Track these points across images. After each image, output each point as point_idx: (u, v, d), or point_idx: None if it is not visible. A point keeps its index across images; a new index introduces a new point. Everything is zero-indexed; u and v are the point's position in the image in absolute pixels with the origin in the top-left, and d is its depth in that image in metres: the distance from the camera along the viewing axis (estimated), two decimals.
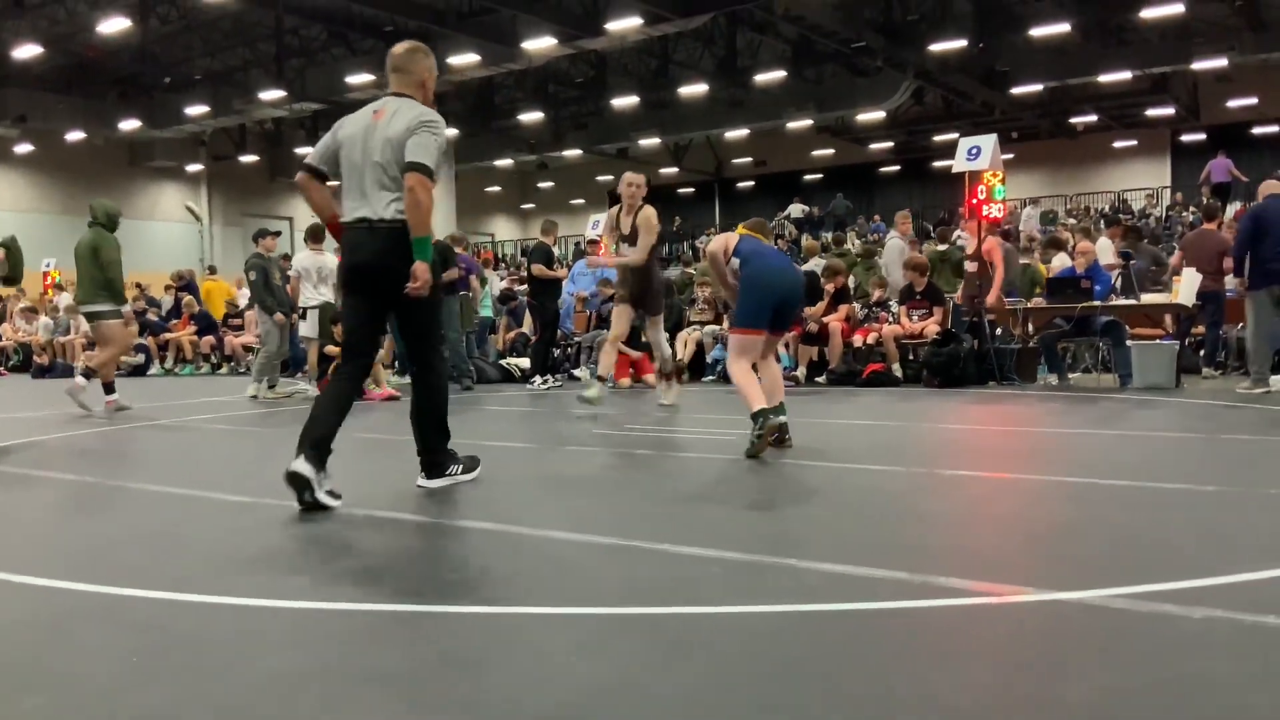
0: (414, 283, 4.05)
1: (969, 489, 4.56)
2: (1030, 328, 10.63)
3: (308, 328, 10.87)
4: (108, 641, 2.51)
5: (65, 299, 19.22)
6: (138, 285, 20.36)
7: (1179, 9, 21.37)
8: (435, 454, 4.53)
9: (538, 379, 11.31)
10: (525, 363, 12.58)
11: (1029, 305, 10.65)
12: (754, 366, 5.68)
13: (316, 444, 4.11)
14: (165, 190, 33.72)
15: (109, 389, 9.13)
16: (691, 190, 41.37)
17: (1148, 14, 22.23)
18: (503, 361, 13.49)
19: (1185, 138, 32.52)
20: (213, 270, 22.10)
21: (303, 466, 4.02)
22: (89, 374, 9.06)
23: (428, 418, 4.51)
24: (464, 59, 23.39)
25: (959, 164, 10.90)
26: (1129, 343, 9.92)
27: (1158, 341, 10.02)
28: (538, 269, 11.36)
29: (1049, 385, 10.16)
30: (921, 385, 10.33)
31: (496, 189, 43.53)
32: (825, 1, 21.86)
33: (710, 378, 12.16)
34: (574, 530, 3.63)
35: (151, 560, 3.40)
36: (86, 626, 2.65)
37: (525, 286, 13.18)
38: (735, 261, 5.71)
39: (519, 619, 2.59)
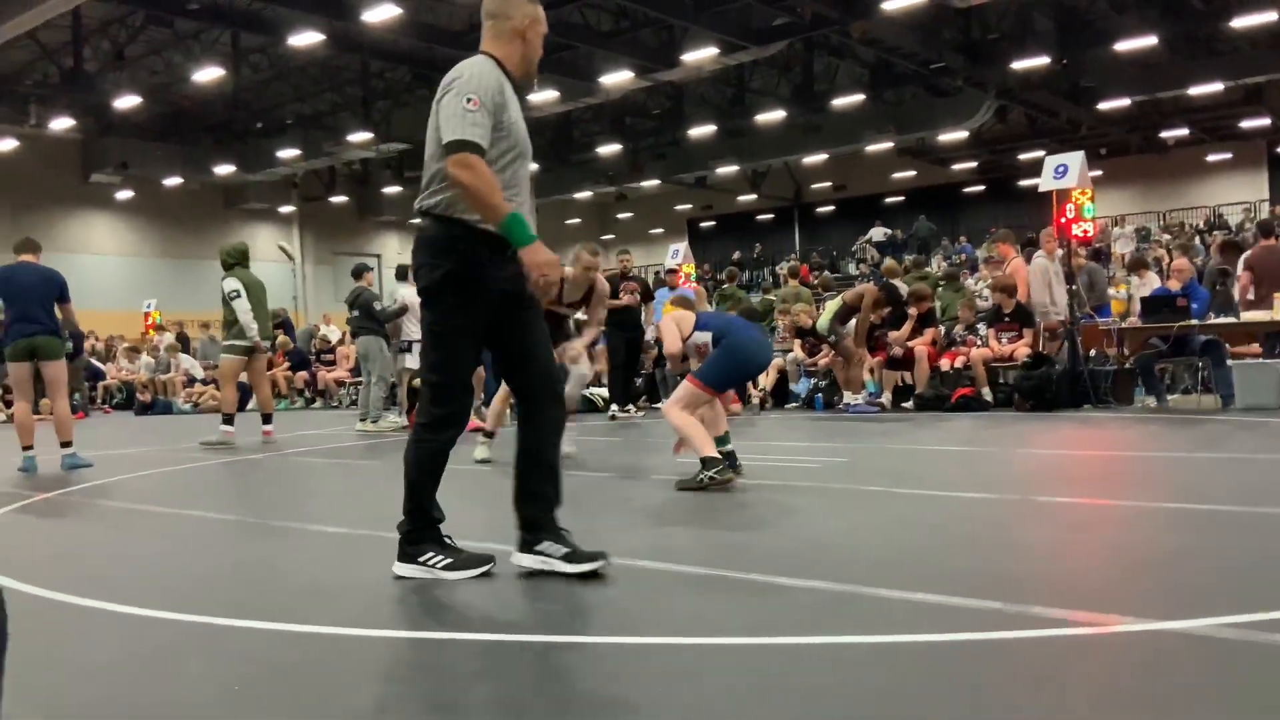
0: (533, 274, 3.17)
1: (1065, 516, 4.44)
2: (1126, 349, 10.34)
3: (412, 360, 11.12)
4: (208, 671, 2.58)
5: (167, 338, 19.96)
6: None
7: (1271, 17, 20.72)
8: (410, 527, 3.52)
9: (614, 407, 11.37)
10: (605, 392, 12.65)
11: (1124, 325, 10.37)
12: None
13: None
14: (259, 231, 34.80)
15: (229, 420, 9.62)
16: (770, 216, 41.24)
17: (1238, 23, 21.57)
18: (584, 392, 13.55)
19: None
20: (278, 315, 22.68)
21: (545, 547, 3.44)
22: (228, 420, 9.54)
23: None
24: (544, 96, 23.77)
25: (1046, 182, 10.69)
26: (1230, 362, 9.58)
27: (1261, 360, 9.66)
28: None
29: (1146, 407, 9.86)
30: (1012, 409, 10.11)
31: (576, 221, 43.98)
32: (903, 23, 21.69)
33: (793, 404, 12.07)
34: (660, 560, 3.62)
35: (252, 591, 3.49)
36: (188, 657, 2.72)
37: None
38: (702, 336, 5.83)
39: (610, 649, 2.60)
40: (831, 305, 11.51)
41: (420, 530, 3.48)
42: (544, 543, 3.42)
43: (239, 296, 9.75)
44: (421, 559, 3.45)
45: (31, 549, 4.68)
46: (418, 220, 3.43)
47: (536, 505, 3.46)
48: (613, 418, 11.19)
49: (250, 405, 10.14)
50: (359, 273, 11.66)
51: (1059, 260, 10.80)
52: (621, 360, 11.74)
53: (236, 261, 10.06)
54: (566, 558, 3.36)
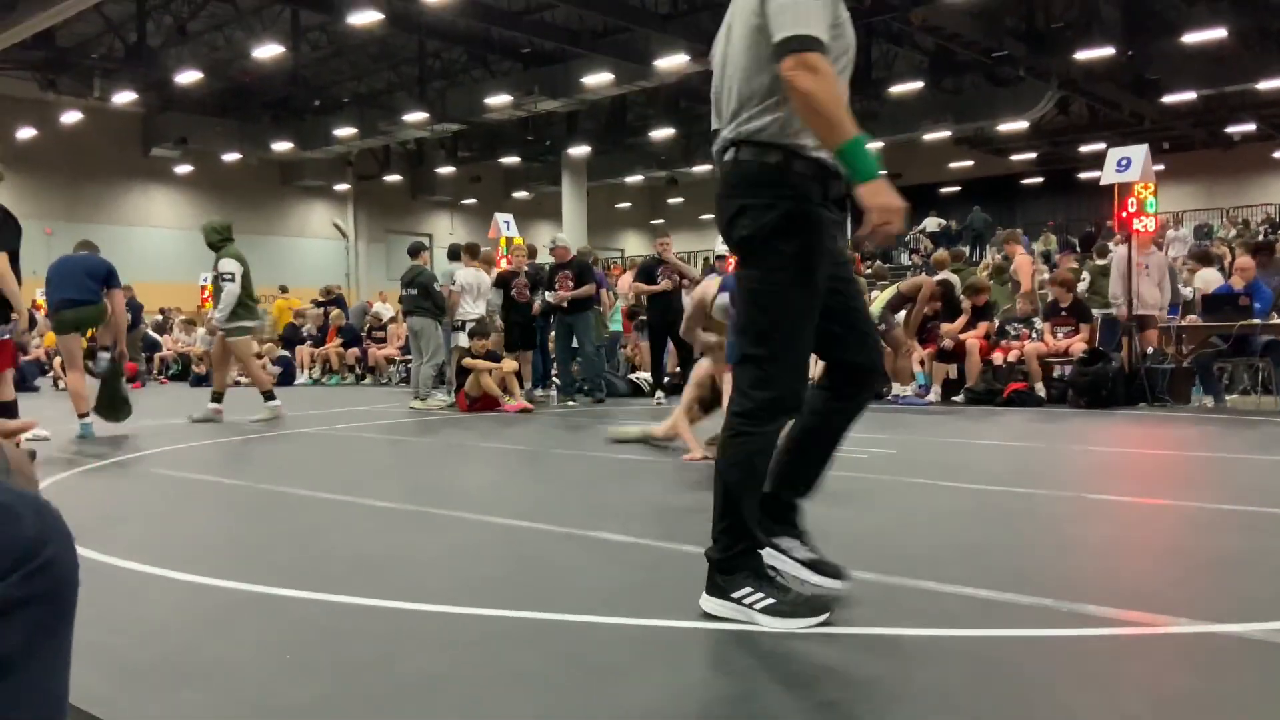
0: (874, 219, 2.44)
1: (1119, 514, 4.37)
2: (1184, 347, 10.13)
3: (463, 339, 11.21)
4: (262, 638, 2.62)
5: None
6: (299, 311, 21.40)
7: None
8: (721, 550, 2.69)
9: (659, 393, 11.38)
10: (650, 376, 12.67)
11: (1183, 323, 10.16)
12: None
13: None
14: (314, 208, 35.23)
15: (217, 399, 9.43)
16: None
17: None
18: (631, 376, 13.59)
19: None
20: (284, 289, 22.88)
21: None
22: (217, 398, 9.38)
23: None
24: (598, 78, 23.74)
25: (1108, 175, 10.49)
26: None
27: None
28: (635, 285, 11.63)
29: (1204, 407, 9.66)
30: (1066, 405, 9.96)
31: (627, 205, 43.97)
32: (964, 10, 21.36)
33: None
34: (701, 544, 3.62)
35: (304, 561, 3.54)
36: (242, 623, 2.77)
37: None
38: (723, 299, 5.81)
39: (655, 631, 2.60)
40: (885, 294, 11.40)
41: (738, 557, 2.64)
42: (783, 538, 2.85)
43: (232, 280, 9.11)
44: (736, 594, 2.62)
45: (87, 513, 4.78)
46: (730, 153, 2.68)
47: (796, 491, 2.92)
48: (659, 403, 11.21)
49: (244, 382, 10.15)
50: (416, 251, 11.67)
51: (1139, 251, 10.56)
52: (663, 345, 11.75)
53: (225, 238, 9.39)
54: (812, 566, 2.80)
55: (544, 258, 13.40)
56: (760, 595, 2.59)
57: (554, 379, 12.30)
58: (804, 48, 2.41)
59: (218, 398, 9.42)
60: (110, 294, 8.07)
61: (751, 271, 2.65)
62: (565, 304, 11.23)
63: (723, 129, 2.72)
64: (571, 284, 11.24)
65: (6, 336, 6.05)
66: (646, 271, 11.70)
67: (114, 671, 2.38)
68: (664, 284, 11.37)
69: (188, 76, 24.40)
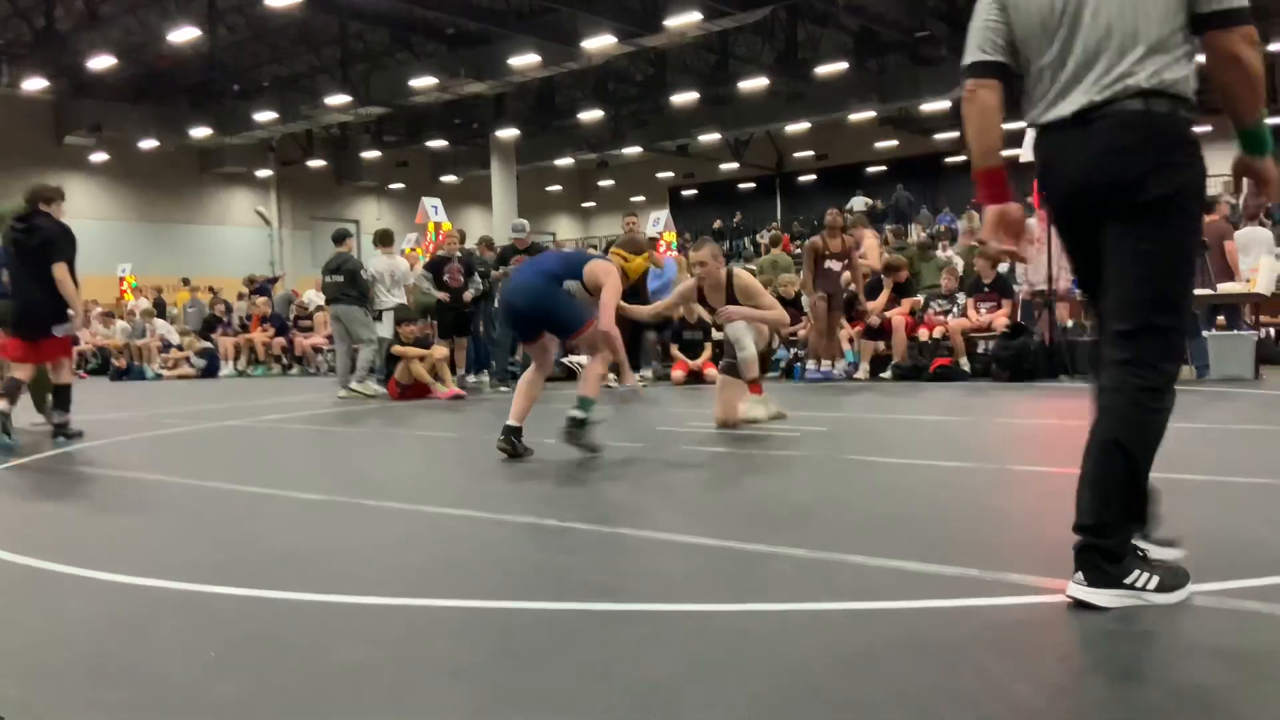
0: (1274, 190, 2.56)
1: (1041, 485, 4.47)
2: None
3: (383, 329, 11.08)
4: (186, 636, 2.57)
5: (142, 303, 19.78)
6: (210, 289, 20.85)
7: None
8: (1113, 535, 2.48)
9: (611, 378, 11.34)
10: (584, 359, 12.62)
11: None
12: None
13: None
14: (236, 195, 34.46)
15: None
16: (752, 185, 41.15)
17: None
18: (564, 360, 13.53)
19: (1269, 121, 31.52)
20: (186, 281, 22.39)
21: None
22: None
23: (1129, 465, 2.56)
24: (524, 60, 23.54)
25: (1026, 153, 10.65)
26: (1205, 334, 9.65)
27: (1235, 332, 9.74)
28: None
29: None
30: (990, 379, 10.16)
31: (557, 188, 43.76)
32: None
33: (773, 374, 12.08)
34: (640, 527, 3.63)
35: (228, 557, 3.47)
36: (164, 621, 2.71)
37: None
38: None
39: (585, 615, 2.60)
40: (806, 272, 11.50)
41: (1127, 541, 2.50)
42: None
43: None
44: (1128, 580, 2.44)
45: (4, 515, 4.64)
46: (1138, 102, 2.48)
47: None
48: (634, 386, 11.14)
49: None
50: (341, 238, 11.51)
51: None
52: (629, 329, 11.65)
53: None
54: (1155, 540, 2.69)
55: (472, 244, 13.21)
56: (1148, 575, 2.46)
57: (491, 364, 12.20)
58: (1247, 21, 2.41)
59: None
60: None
61: (1160, 233, 2.49)
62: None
63: (1103, 71, 2.50)
64: None
65: (65, 333, 7.22)
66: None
67: (29, 675, 2.31)
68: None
69: (101, 62, 23.66)
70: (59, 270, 7.08)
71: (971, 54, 2.68)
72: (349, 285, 10.86)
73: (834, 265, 10.87)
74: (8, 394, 6.99)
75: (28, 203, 7.38)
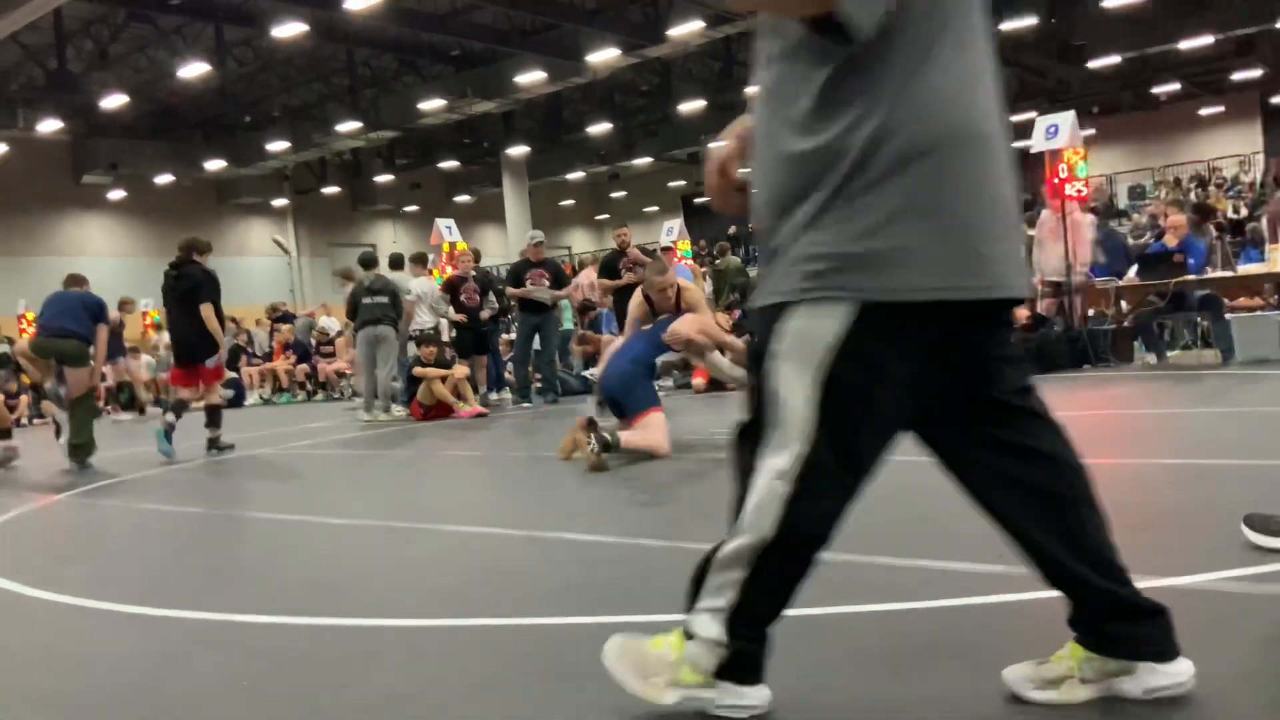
0: None
1: None
2: (1124, 306, 10.32)
3: (412, 350, 11.11)
4: (220, 668, 2.59)
5: (165, 338, 19.89)
6: (232, 319, 20.99)
7: None
8: None
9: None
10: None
11: (1121, 283, 10.35)
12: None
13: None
14: (253, 226, 34.73)
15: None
16: None
17: None
18: (585, 373, 13.58)
19: (1276, 99, 31.26)
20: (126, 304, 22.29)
21: None
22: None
23: None
24: (531, 77, 23.64)
25: (1038, 143, 10.66)
26: (1228, 316, 9.57)
27: (1259, 313, 9.65)
28: (600, 282, 11.54)
29: (1147, 365, 9.86)
30: None
31: (570, 202, 43.86)
32: None
33: None
34: (665, 538, 3.64)
35: (260, 586, 3.50)
36: (199, 654, 2.74)
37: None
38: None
39: (618, 628, 2.60)
40: None
41: None
42: None
43: None
44: None
45: (38, 552, 4.69)
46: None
47: None
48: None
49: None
50: (371, 261, 11.28)
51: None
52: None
53: None
54: None
55: (487, 261, 13.28)
56: None
57: (509, 380, 12.25)
58: None
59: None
60: (98, 329, 8.34)
61: None
62: (552, 303, 11.19)
63: None
64: (546, 283, 11.17)
65: (215, 363, 8.45)
66: (609, 266, 11.54)
67: (69, 713, 2.34)
68: (628, 277, 11.18)
69: (113, 101, 23.92)
70: (205, 310, 8.16)
71: None
72: (390, 307, 10.85)
73: None
74: (174, 410, 8.34)
75: (181, 252, 8.58)
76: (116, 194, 30.37)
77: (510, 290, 11.66)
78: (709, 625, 1.92)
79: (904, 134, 1.67)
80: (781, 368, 1.75)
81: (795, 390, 1.75)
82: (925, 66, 1.70)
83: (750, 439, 1.89)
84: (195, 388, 8.47)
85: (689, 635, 1.97)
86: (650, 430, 5.80)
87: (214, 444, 8.44)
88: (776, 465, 1.82)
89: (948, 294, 1.67)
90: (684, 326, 6.00)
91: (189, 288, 8.26)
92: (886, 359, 1.73)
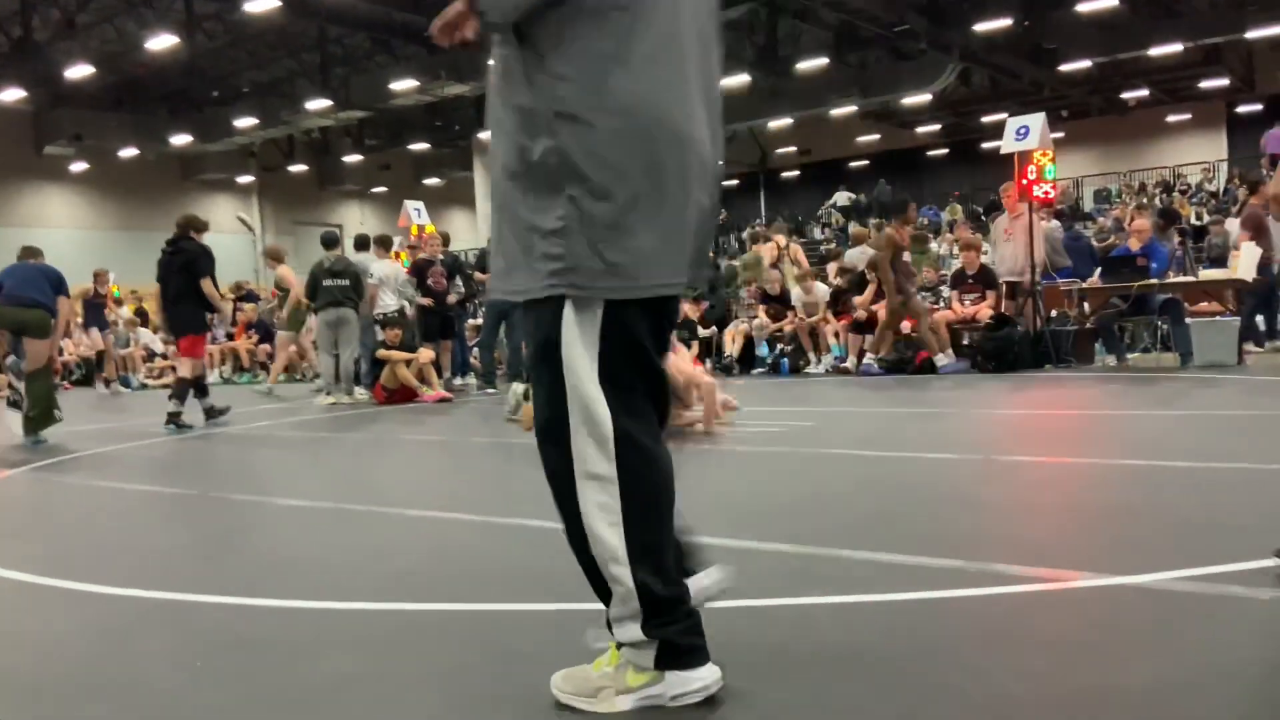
0: None
1: (1026, 474, 4.49)
2: (1086, 308, 10.44)
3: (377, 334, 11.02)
4: (170, 647, 2.55)
5: (125, 312, 19.65)
6: None
7: None
8: None
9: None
10: None
11: (1084, 285, 10.46)
12: None
13: None
14: (218, 202, 34.29)
15: None
16: (736, 182, 41.18)
17: None
18: None
19: (1241, 109, 31.71)
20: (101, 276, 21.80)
21: None
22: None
23: None
24: None
25: (1007, 144, 10.74)
26: (1189, 320, 9.70)
27: (1218, 318, 9.79)
28: None
29: (1107, 366, 9.98)
30: (975, 371, 10.20)
31: None
32: None
33: (760, 370, 12.11)
34: None
35: (214, 565, 3.46)
36: (149, 632, 2.70)
37: None
38: None
39: (572, 615, 2.60)
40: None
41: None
42: None
43: None
44: None
45: None
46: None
47: None
48: None
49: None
50: (333, 241, 11.07)
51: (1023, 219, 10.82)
52: None
53: None
54: None
55: (457, 245, 13.21)
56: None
57: (474, 365, 12.20)
58: None
59: None
60: (59, 300, 8.21)
61: None
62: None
63: None
64: None
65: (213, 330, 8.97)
66: None
67: (15, 690, 2.30)
68: None
69: (79, 71, 23.51)
70: (205, 284, 8.59)
71: None
72: (352, 290, 10.72)
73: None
74: (177, 395, 8.53)
75: (178, 229, 8.91)
76: (79, 166, 29.87)
77: (478, 275, 11.62)
78: (629, 630, 1.94)
79: (601, 128, 1.79)
80: (567, 358, 1.87)
81: (583, 375, 1.88)
82: (617, 62, 1.79)
83: (553, 438, 1.97)
84: (202, 357, 9.02)
85: (619, 645, 1.99)
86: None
87: (211, 413, 8.80)
88: (591, 458, 1.92)
89: (671, 290, 1.89)
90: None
91: (186, 262, 8.61)
92: (638, 333, 1.91)
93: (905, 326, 11.05)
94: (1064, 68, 26.67)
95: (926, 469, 4.69)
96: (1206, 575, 2.57)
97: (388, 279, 11.10)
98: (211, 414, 8.78)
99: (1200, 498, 3.69)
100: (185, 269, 8.59)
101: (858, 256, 12.78)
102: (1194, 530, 3.18)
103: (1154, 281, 9.59)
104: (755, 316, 12.55)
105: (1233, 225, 11.04)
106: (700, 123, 1.93)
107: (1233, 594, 2.44)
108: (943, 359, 10.35)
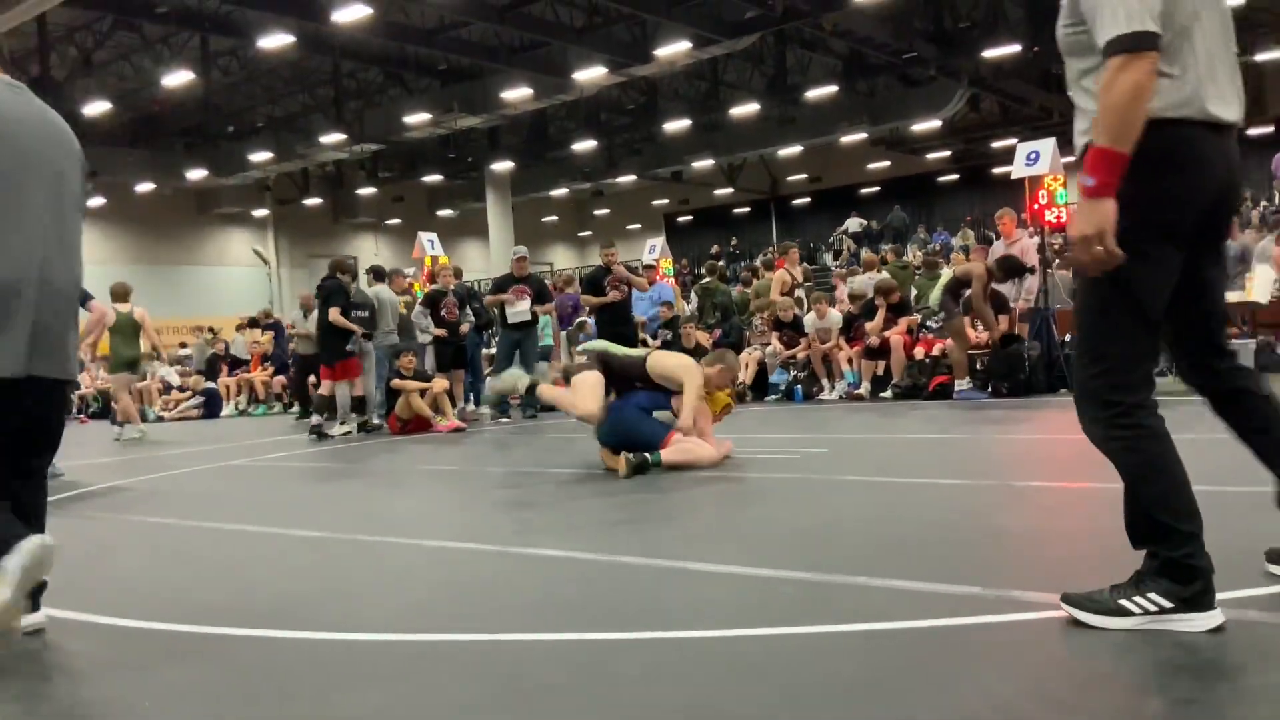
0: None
1: (1043, 500, 4.47)
2: None
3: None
4: (190, 680, 2.56)
5: (142, 345, 19.71)
6: (210, 329, 20.88)
7: (1238, 0, 20.89)
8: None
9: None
10: None
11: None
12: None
13: None
14: (233, 236, 34.60)
15: None
16: (747, 210, 41.32)
17: None
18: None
19: (1251, 132, 31.68)
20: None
21: None
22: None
23: None
24: (517, 93, 23.70)
25: (1018, 170, 10.76)
26: None
27: (1234, 341, 9.73)
28: (584, 298, 11.63)
29: None
30: (989, 395, 10.16)
31: (553, 218, 43.94)
32: (874, 14, 21.76)
33: (773, 397, 12.10)
34: (642, 555, 3.63)
35: (233, 598, 3.47)
36: (169, 666, 2.70)
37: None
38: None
39: (589, 645, 2.60)
40: (941, 280, 11.37)
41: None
42: None
43: None
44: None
45: None
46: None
47: None
48: None
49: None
50: (351, 273, 11.36)
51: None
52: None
53: None
54: None
55: (470, 276, 13.31)
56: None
57: (485, 393, 12.22)
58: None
59: None
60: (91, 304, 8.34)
61: None
62: (532, 316, 11.16)
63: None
64: (529, 298, 11.17)
65: (352, 354, 10.67)
66: (593, 283, 11.56)
67: None
68: (613, 295, 11.23)
69: (96, 108, 23.80)
70: (333, 314, 10.46)
71: (1138, 21, 2.25)
72: (369, 321, 10.93)
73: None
74: (319, 410, 10.62)
75: (329, 270, 10.90)
76: (96, 201, 30.16)
77: (488, 298, 11.72)
78: None
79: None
80: None
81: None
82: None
83: None
84: (343, 379, 10.63)
85: None
86: (685, 443, 5.95)
87: (363, 427, 10.64)
88: None
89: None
90: (688, 420, 6.10)
91: (322, 298, 10.58)
92: None
93: (919, 351, 11.02)
94: None
95: (942, 495, 4.68)
96: (1229, 600, 2.55)
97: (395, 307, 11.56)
98: (321, 428, 10.29)
99: (1225, 522, 3.66)
100: (324, 303, 10.45)
101: (866, 284, 12.77)
102: (1219, 555, 3.15)
103: None
104: (768, 343, 12.55)
105: (1247, 237, 10.98)
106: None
107: (1252, 619, 2.43)
108: (961, 384, 10.31)
